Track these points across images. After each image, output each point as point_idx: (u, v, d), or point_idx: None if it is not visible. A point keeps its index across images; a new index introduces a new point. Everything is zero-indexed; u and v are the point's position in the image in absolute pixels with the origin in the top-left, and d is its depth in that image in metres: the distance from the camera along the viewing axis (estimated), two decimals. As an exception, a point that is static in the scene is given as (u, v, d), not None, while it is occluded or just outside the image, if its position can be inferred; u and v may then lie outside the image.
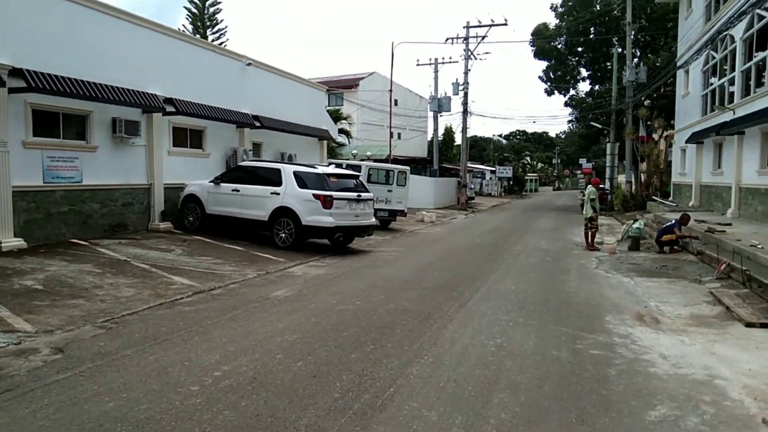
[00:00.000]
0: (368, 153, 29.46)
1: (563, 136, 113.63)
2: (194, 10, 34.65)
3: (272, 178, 13.33)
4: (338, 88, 48.62)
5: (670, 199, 27.79)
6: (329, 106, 42.45)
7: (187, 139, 16.23)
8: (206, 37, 32.96)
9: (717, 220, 16.34)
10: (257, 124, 18.54)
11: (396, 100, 50.58)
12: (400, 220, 20.67)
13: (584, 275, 10.74)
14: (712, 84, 21.74)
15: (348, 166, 19.40)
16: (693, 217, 17.42)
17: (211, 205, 14.22)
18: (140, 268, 9.82)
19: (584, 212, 15.77)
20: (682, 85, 26.70)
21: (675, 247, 13.59)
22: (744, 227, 14.46)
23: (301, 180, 12.93)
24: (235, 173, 14.31)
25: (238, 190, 13.69)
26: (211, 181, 14.33)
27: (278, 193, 12.99)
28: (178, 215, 15.03)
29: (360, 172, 18.58)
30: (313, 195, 12.57)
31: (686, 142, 23.25)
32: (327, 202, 12.49)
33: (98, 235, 12.87)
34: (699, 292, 9.00)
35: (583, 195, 16.18)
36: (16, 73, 10.78)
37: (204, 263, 10.72)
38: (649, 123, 33.22)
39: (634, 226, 16.88)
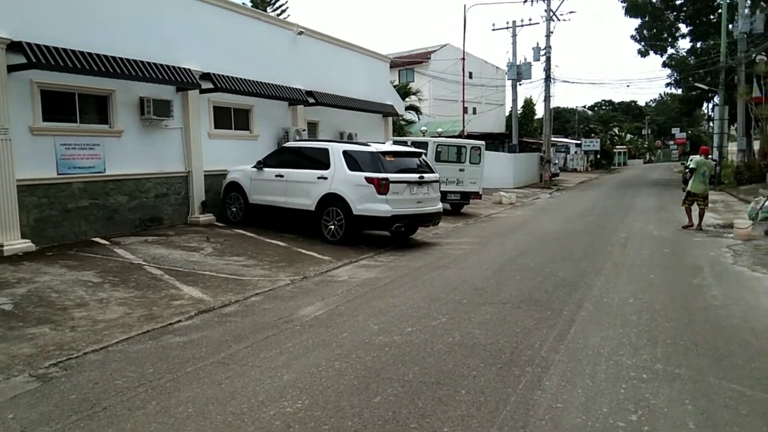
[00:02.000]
0: (439, 129, 26.80)
1: (654, 105, 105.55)
2: (254, -14, 33.01)
3: (320, 159, 11.26)
4: (409, 63, 46.12)
5: (798, 168, 23.53)
6: (399, 82, 40.20)
7: (231, 119, 14.42)
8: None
9: None
10: (311, 100, 16.51)
11: (470, 72, 47.38)
12: (475, 202, 18.16)
13: (724, 276, 7.94)
14: None
15: (413, 144, 17.05)
16: None
17: (254, 193, 12.36)
18: (150, 275, 8.01)
19: (692, 187, 12.96)
20: (813, 31, 22.28)
21: (837, 232, 10.41)
22: None
23: (353, 160, 10.77)
24: (279, 156, 12.34)
25: (282, 176, 11.72)
26: (253, 167, 12.45)
27: (326, 178, 10.90)
28: (221, 206, 13.33)
29: (426, 149, 16.22)
30: (366, 178, 10.38)
31: (824, 98, 19.16)
32: (382, 187, 10.27)
33: (127, 231, 11.30)
34: None
35: (686, 167, 13.54)
36: (15, 47, 9.20)
37: (232, 266, 8.81)
38: (764, 81, 28.56)
39: (767, 203, 13.63)
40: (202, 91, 12.98)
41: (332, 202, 10.79)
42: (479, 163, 17.09)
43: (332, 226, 10.84)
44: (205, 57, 13.05)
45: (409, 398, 3.92)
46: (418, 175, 10.81)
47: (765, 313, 5.92)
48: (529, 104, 53.33)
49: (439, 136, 18.56)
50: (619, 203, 20.60)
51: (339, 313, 6.24)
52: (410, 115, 32.39)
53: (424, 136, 21.52)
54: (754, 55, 27.70)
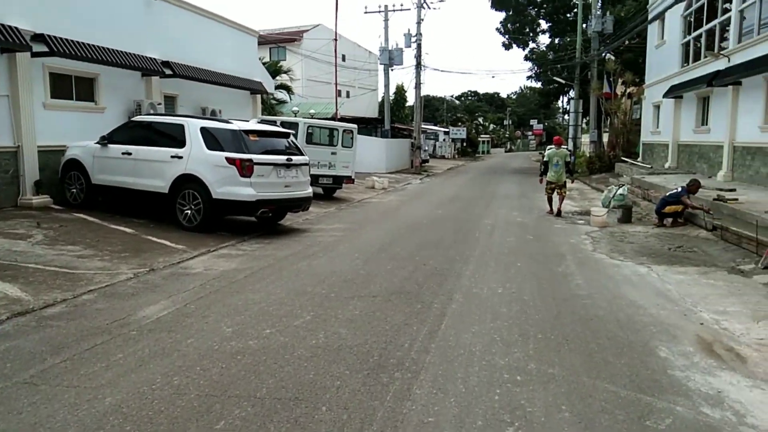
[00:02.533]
0: (312, 111, 26.06)
1: (515, 97, 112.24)
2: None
3: (174, 136, 10.14)
4: (281, 41, 44.64)
5: (639, 159, 25.74)
6: (271, 59, 38.69)
7: (72, 88, 12.71)
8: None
9: (712, 185, 14.09)
10: (168, 72, 15.09)
11: (343, 55, 47.04)
12: (348, 187, 17.75)
13: (585, 263, 8.12)
14: (696, 30, 19.37)
15: (283, 124, 16.23)
16: (672, 181, 15.19)
17: (98, 173, 10.94)
18: (-45, 269, 6.63)
19: (549, 177, 13.55)
20: (655, 34, 24.35)
21: (678, 220, 11.20)
22: (754, 193, 12.22)
23: (212, 139, 9.79)
24: (127, 131, 10.97)
25: (130, 153, 10.44)
26: (97, 143, 11.01)
27: (181, 157, 9.83)
28: (60, 186, 11.70)
29: (297, 131, 15.48)
30: (227, 159, 9.48)
31: (663, 96, 20.99)
32: (245, 169, 9.42)
33: (-65, 215, 9.50)
34: (754, 291, 6.52)
35: (543, 156, 14.49)
36: None
37: (65, 256, 7.58)
38: (612, 78, 30.95)
39: (618, 192, 14.49)
40: (34, 55, 11.25)
41: (188, 184, 9.75)
42: (351, 146, 16.66)
43: (189, 211, 9.81)
44: (39, 15, 11.33)
45: (259, 421, 3.30)
46: (285, 157, 10.08)
47: (628, 302, 6.00)
48: (400, 91, 54.02)
49: (312, 118, 17.92)
50: (485, 190, 21.22)
51: (187, 314, 5.44)
52: (282, 95, 31.29)
53: (295, 116, 20.74)
54: (604, 54, 29.88)
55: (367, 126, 35.53)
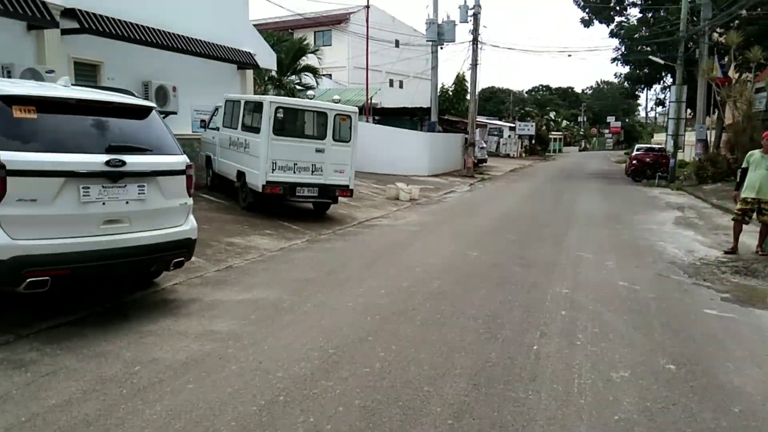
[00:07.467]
0: (336, 97, 20.64)
1: (590, 92, 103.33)
2: None
3: None
4: (325, 24, 39.77)
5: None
6: (315, 45, 33.67)
7: None
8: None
9: None
10: (72, 25, 10.02)
11: (397, 40, 41.62)
12: (357, 199, 12.07)
13: None
14: None
15: (235, 102, 10.87)
16: None
17: None
18: None
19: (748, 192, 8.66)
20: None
21: None
22: None
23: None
24: None
25: None
26: None
27: None
28: None
29: (261, 114, 10.01)
30: (-53, 163, 4.07)
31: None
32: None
33: None
34: None
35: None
36: None
37: None
38: (727, 60, 23.75)
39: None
40: None
41: None
42: (349, 140, 10.89)
43: None
44: None
45: None
46: (105, 159, 4.54)
47: None
48: (461, 81, 47.64)
49: (337, 104, 12.38)
50: (555, 206, 15.06)
51: None
52: (308, 78, 25.99)
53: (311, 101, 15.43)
54: (709, 33, 22.65)
55: (412, 118, 29.72)
